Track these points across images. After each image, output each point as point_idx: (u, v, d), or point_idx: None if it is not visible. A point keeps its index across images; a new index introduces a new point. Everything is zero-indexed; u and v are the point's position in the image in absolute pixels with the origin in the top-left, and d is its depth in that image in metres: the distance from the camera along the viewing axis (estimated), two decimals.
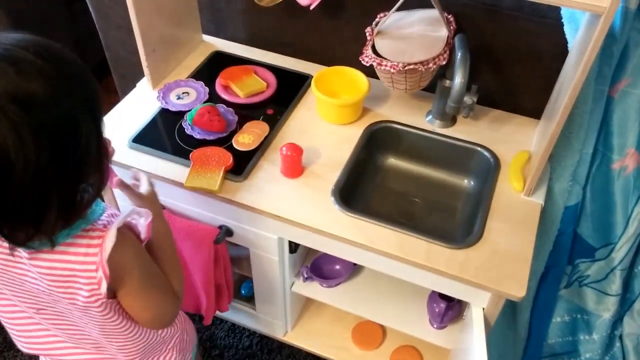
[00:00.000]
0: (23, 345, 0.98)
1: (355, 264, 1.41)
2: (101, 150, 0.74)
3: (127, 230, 0.81)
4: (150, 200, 0.94)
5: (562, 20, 1.12)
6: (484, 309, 1.12)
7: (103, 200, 0.87)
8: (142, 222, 0.82)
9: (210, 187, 1.15)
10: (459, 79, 1.09)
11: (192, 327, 1.16)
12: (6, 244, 0.75)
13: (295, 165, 1.19)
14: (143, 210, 0.83)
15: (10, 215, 0.69)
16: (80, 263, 0.77)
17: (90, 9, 1.68)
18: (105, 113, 1.34)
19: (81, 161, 0.70)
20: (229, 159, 1.19)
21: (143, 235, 0.83)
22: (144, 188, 0.95)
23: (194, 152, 1.21)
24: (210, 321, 1.45)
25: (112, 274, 0.77)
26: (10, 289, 0.85)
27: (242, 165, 1.21)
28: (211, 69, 1.46)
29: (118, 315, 0.86)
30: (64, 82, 0.67)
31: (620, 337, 1.41)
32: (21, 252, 0.77)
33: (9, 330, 0.97)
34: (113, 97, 2.05)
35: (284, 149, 1.17)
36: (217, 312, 1.50)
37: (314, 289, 1.41)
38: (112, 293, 0.83)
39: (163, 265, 0.91)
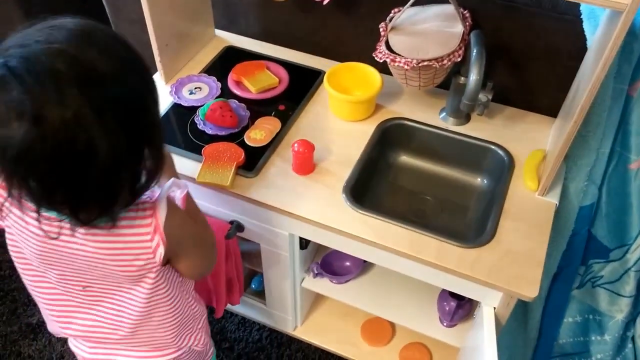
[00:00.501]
0: (61, 327, 1.00)
1: (365, 261, 1.40)
2: (161, 131, 0.78)
3: (171, 200, 0.84)
4: (170, 162, 1.01)
5: (581, 16, 1.10)
6: (495, 308, 1.12)
7: None
8: (178, 195, 0.86)
9: (222, 183, 1.15)
10: (474, 76, 1.07)
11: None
12: (54, 224, 0.77)
13: (306, 162, 1.19)
14: (181, 182, 0.88)
15: (88, 199, 0.71)
16: (134, 235, 0.80)
17: (104, 2, 1.68)
18: None
19: (149, 141, 0.74)
20: (240, 155, 1.19)
21: (180, 206, 0.87)
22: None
23: (206, 148, 1.21)
24: (221, 314, 1.45)
25: (169, 239, 0.82)
26: (57, 269, 0.87)
27: (253, 161, 1.21)
28: (223, 64, 1.45)
29: (167, 284, 0.91)
30: (133, 65, 0.71)
31: (633, 338, 1.40)
32: (71, 233, 0.79)
33: (47, 313, 1.00)
34: None
35: (295, 145, 1.16)
36: (228, 306, 1.51)
37: (324, 285, 1.41)
38: (166, 260, 0.87)
39: (198, 223, 0.96)
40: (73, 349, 1.06)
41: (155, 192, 0.83)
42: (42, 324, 1.73)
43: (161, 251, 0.82)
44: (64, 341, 1.69)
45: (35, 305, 1.75)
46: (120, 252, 0.81)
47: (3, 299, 1.79)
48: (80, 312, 0.96)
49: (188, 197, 0.90)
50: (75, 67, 0.64)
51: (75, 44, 0.66)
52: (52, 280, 0.91)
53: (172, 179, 0.87)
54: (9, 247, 0.91)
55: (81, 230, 0.78)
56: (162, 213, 0.80)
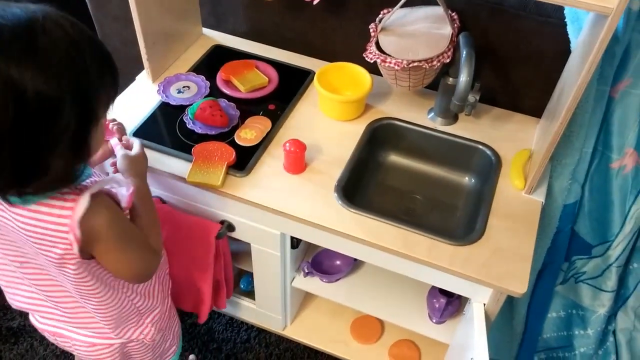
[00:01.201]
0: (11, 299, 1.02)
1: (355, 260, 1.42)
2: (83, 133, 0.75)
3: (103, 196, 0.83)
4: (136, 160, 1.02)
5: (565, 20, 1.13)
6: (485, 304, 1.14)
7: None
8: (123, 192, 0.85)
9: (213, 183, 1.15)
10: (464, 77, 1.09)
11: (178, 321, 1.22)
12: None
13: (298, 161, 1.19)
14: (123, 180, 0.88)
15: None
16: (53, 223, 0.80)
17: None
18: None
19: (51, 137, 0.71)
20: (231, 154, 1.19)
21: (124, 205, 0.86)
22: (135, 149, 1.03)
23: (196, 147, 1.21)
24: (205, 319, 1.45)
25: (85, 237, 0.80)
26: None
27: (244, 160, 1.21)
28: (212, 63, 1.45)
29: (92, 277, 0.89)
30: (58, 70, 0.69)
31: (614, 332, 1.44)
32: (4, 205, 0.80)
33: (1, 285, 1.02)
34: None
35: (287, 144, 1.16)
36: (216, 308, 1.51)
37: (314, 284, 1.41)
38: (88, 254, 0.86)
39: (143, 225, 0.94)
40: (31, 319, 1.09)
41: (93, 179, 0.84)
42: (23, 327, 1.69)
43: (76, 247, 0.81)
44: (45, 345, 1.66)
45: (15, 309, 1.71)
46: (41, 236, 0.81)
47: None
48: (24, 285, 0.98)
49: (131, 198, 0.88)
50: None
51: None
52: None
53: (112, 175, 0.87)
54: None
55: (6, 204, 0.79)
56: (80, 207, 0.78)
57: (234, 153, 1.20)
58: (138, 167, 1.01)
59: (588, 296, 1.40)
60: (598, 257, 1.34)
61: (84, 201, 0.79)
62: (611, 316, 1.42)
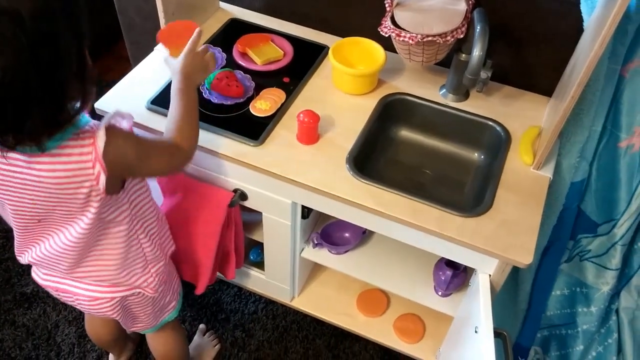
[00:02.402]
0: (19, 255, 1.09)
1: (364, 232, 1.44)
2: (82, 66, 0.82)
3: (113, 126, 0.90)
4: (191, 64, 1.09)
5: None
6: (490, 275, 1.17)
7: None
8: (125, 125, 0.93)
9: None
10: (477, 52, 1.11)
11: (178, 279, 1.30)
12: (2, 160, 0.85)
13: (311, 132, 1.22)
14: (125, 114, 0.94)
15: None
16: (77, 162, 0.85)
17: None
18: (117, 79, 1.36)
19: (61, 72, 0.77)
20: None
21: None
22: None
23: (161, 32, 1.24)
24: (202, 291, 1.45)
25: (112, 166, 0.87)
26: (12, 202, 0.93)
27: (258, 130, 1.24)
28: (228, 35, 1.47)
29: (111, 213, 0.98)
30: (51, 1, 0.74)
31: (617, 310, 1.46)
32: (20, 160, 0.85)
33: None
34: (124, 64, 2.05)
35: (301, 115, 1.19)
36: (224, 278, 1.54)
37: (323, 256, 1.45)
38: (115, 185, 0.94)
39: (173, 114, 1.04)
40: (33, 276, 1.16)
41: (97, 122, 0.89)
42: (36, 293, 1.73)
43: (103, 178, 0.87)
44: (58, 310, 1.70)
45: (29, 274, 1.74)
46: (65, 180, 0.86)
47: None
48: (36, 242, 1.03)
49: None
50: None
51: None
52: (9, 215, 0.98)
53: (116, 110, 0.92)
54: None
55: (22, 161, 0.84)
56: (100, 142, 0.85)
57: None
58: (195, 68, 1.09)
59: (592, 274, 1.42)
60: (603, 235, 1.37)
61: (101, 135, 0.85)
62: (614, 295, 1.44)
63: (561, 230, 1.37)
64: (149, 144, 0.99)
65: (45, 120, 0.79)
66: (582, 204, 1.35)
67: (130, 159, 0.92)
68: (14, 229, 1.03)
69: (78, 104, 0.84)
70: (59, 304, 1.71)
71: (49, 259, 1.05)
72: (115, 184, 0.95)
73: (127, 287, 1.12)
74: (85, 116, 0.90)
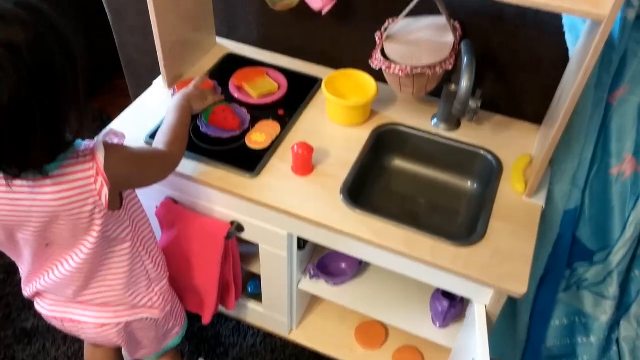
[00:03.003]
0: (25, 287, 1.12)
1: (360, 263, 1.44)
2: (78, 90, 0.86)
3: (107, 141, 0.96)
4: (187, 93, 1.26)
5: (564, 29, 1.17)
6: (486, 306, 1.16)
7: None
8: (116, 142, 1.00)
9: None
10: (465, 82, 1.14)
11: (180, 303, 1.32)
12: (8, 189, 0.88)
13: (306, 164, 1.23)
14: (119, 132, 1.01)
15: (3, 149, 0.79)
16: (79, 180, 0.90)
17: (107, 11, 1.73)
18: (116, 114, 1.40)
19: (60, 99, 0.81)
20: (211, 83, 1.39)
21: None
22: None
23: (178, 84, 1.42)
24: (208, 320, 1.46)
25: (114, 178, 0.92)
26: (22, 229, 0.95)
27: (254, 162, 1.25)
28: (224, 70, 1.51)
29: (115, 230, 1.01)
30: (43, 31, 0.78)
31: (617, 340, 1.44)
32: (24, 187, 0.88)
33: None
34: (123, 99, 2.09)
35: (295, 147, 1.21)
36: (223, 310, 1.54)
37: (320, 287, 1.44)
38: (117, 200, 0.98)
39: (169, 126, 1.14)
40: (37, 307, 1.16)
41: (92, 142, 0.94)
42: (36, 328, 1.73)
43: (106, 192, 0.91)
44: (58, 346, 1.69)
45: (30, 309, 1.76)
46: (70, 199, 0.90)
47: None
48: (45, 270, 1.05)
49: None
50: None
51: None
52: (19, 244, 1.00)
53: (110, 128, 0.98)
54: None
55: (27, 188, 0.88)
56: (100, 156, 0.91)
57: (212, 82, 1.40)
58: (195, 95, 1.27)
59: (590, 303, 1.41)
60: (599, 263, 1.36)
61: (101, 149, 0.91)
62: (614, 325, 1.43)
63: (557, 259, 1.37)
64: (143, 154, 1.07)
65: (45, 147, 0.83)
66: (577, 231, 1.35)
67: (129, 170, 0.99)
68: (22, 260, 1.05)
69: (76, 128, 0.88)
70: (58, 339, 1.70)
71: (57, 284, 1.07)
72: (115, 199, 0.98)
73: (132, 308, 1.13)
74: (78, 140, 0.94)
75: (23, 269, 1.09)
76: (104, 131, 0.99)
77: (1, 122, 0.75)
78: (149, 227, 1.13)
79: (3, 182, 0.87)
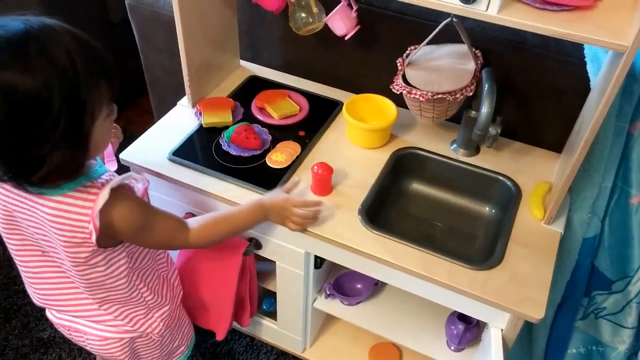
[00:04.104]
0: (33, 295, 1.12)
1: (376, 284, 1.45)
2: (73, 137, 0.82)
3: (123, 190, 0.93)
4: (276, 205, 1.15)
5: (585, 59, 1.19)
6: (502, 330, 1.16)
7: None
8: (140, 187, 0.96)
9: (226, 120, 1.39)
10: (485, 109, 1.15)
11: (189, 324, 1.31)
12: (14, 191, 0.91)
13: (325, 184, 1.25)
14: (139, 177, 0.97)
15: None
16: (76, 213, 0.89)
17: (134, 31, 1.79)
18: (140, 132, 1.43)
19: (37, 141, 0.79)
20: (231, 102, 1.44)
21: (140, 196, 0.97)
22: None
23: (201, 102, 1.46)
24: (223, 337, 1.47)
25: (103, 227, 0.89)
26: (17, 233, 0.98)
27: (274, 181, 1.28)
28: (247, 91, 1.54)
29: (103, 265, 0.98)
30: (49, 75, 0.77)
31: None
32: (29, 196, 0.90)
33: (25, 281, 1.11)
34: (147, 117, 2.14)
35: (315, 167, 1.23)
36: (237, 327, 1.54)
37: (335, 306, 1.45)
38: (105, 243, 0.95)
39: (216, 220, 1.11)
40: (47, 314, 1.19)
41: (110, 177, 0.93)
42: (53, 338, 1.75)
43: (94, 237, 0.89)
44: (73, 356, 1.71)
45: (47, 319, 1.77)
46: (62, 225, 0.90)
47: (16, 313, 1.82)
48: (43, 279, 1.06)
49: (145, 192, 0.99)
50: None
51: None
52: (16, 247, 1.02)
53: (130, 172, 0.96)
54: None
55: (33, 199, 0.89)
56: (101, 201, 0.88)
57: (233, 102, 1.45)
58: (276, 205, 1.15)
59: (608, 332, 1.40)
60: (618, 292, 1.35)
61: (104, 194, 0.88)
62: (632, 355, 1.41)
63: (575, 287, 1.36)
64: (156, 217, 1.01)
65: (17, 175, 0.84)
66: (595, 260, 1.35)
67: (129, 226, 0.94)
68: (18, 266, 1.07)
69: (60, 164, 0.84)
70: (74, 350, 1.72)
71: (58, 300, 1.09)
72: (112, 240, 0.97)
73: (132, 330, 1.14)
74: (103, 167, 0.95)
75: (22, 275, 1.10)
76: (125, 175, 0.94)
77: None
78: (153, 255, 1.11)
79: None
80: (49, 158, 0.81)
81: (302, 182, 1.26)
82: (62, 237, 0.91)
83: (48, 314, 1.19)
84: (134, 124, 2.34)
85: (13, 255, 1.05)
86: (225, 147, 1.35)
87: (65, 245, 0.92)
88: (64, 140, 0.81)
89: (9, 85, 0.75)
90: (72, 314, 1.12)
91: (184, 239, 1.06)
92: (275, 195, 1.16)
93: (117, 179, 0.92)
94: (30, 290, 1.13)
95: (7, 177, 0.85)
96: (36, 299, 1.13)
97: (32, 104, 0.77)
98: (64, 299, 1.09)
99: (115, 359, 1.19)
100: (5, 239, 1.03)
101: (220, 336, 1.47)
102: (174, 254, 1.32)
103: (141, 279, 1.09)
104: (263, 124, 1.43)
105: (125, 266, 1.02)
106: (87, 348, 1.19)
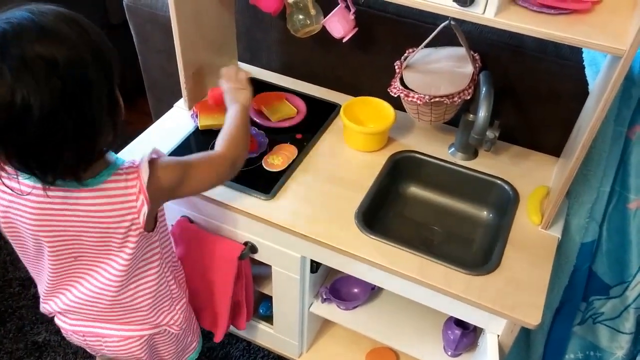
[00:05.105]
0: (47, 303, 1.12)
1: (372, 288, 1.44)
2: (113, 105, 0.87)
3: (154, 158, 0.97)
4: (239, 91, 1.23)
5: (584, 63, 1.18)
6: (498, 336, 1.15)
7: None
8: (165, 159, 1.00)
9: (222, 123, 1.31)
10: (483, 113, 1.15)
11: (196, 319, 1.32)
12: (46, 199, 0.90)
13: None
14: (161, 152, 1.01)
15: (35, 156, 0.81)
16: (121, 195, 0.92)
17: (132, 32, 1.78)
18: (137, 133, 1.42)
19: (93, 112, 0.82)
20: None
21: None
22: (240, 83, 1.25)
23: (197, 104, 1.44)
24: (221, 338, 1.47)
25: (156, 194, 0.94)
26: (51, 242, 0.96)
27: (270, 184, 1.27)
28: None
29: (147, 250, 1.03)
30: (81, 46, 0.79)
31: None
32: (65, 197, 0.90)
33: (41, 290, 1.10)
34: (145, 118, 2.13)
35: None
36: (235, 330, 1.54)
37: (331, 311, 1.44)
38: (150, 223, 0.99)
39: (229, 132, 1.13)
40: (57, 322, 1.16)
41: (136, 160, 0.96)
42: (48, 342, 1.74)
43: (144, 211, 0.93)
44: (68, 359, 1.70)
45: (42, 323, 1.77)
46: (110, 213, 0.92)
47: (11, 316, 1.81)
48: (67, 286, 1.06)
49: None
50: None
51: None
52: (45, 257, 1.01)
53: (153, 148, 0.99)
54: (6, 232, 1.00)
55: (72, 198, 0.90)
56: (144, 175, 0.92)
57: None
58: (241, 96, 1.22)
59: (606, 337, 1.39)
60: (616, 297, 1.34)
61: (145, 168, 0.93)
62: None
63: (573, 292, 1.35)
64: (190, 160, 1.05)
65: (78, 156, 0.84)
66: (593, 265, 1.34)
67: (175, 177, 0.99)
68: (43, 274, 1.05)
69: (110, 139, 0.89)
70: (69, 354, 1.71)
71: (81, 306, 1.08)
72: (151, 220, 1.00)
73: (152, 325, 1.15)
74: (120, 158, 0.96)
75: (43, 284, 1.09)
76: (149, 151, 0.98)
77: (31, 131, 0.77)
78: (172, 248, 1.14)
79: (41, 191, 0.88)
80: (102, 130, 0.84)
81: (299, 186, 1.26)
82: (112, 223, 0.93)
83: (58, 321, 1.17)
84: (133, 125, 2.33)
85: (44, 264, 1.03)
86: None
87: (114, 233, 0.94)
88: (107, 107, 0.84)
89: (49, 57, 0.76)
90: (93, 318, 1.11)
91: (224, 163, 1.09)
92: (241, 94, 1.22)
93: (148, 153, 0.96)
94: (49, 300, 1.11)
95: (58, 176, 0.85)
96: (52, 309, 1.12)
97: (74, 68, 0.78)
98: (89, 306, 1.08)
99: (134, 358, 1.19)
100: (38, 248, 1.01)
101: (217, 338, 1.47)
102: None
103: (169, 268, 1.12)
104: (260, 127, 1.42)
105: (157, 251, 1.05)
106: (104, 352, 1.19)
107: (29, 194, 0.90)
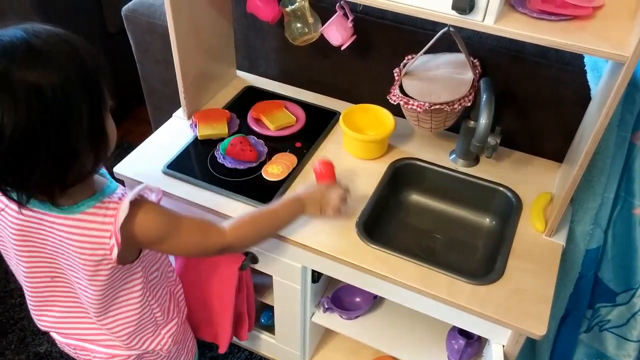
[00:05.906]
0: (37, 320, 1.10)
1: (375, 297, 1.42)
2: (98, 133, 0.83)
3: (141, 200, 0.91)
4: (318, 193, 1.16)
5: (585, 68, 1.17)
6: (503, 346, 1.13)
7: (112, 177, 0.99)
8: (153, 198, 0.95)
9: (221, 132, 1.37)
10: (484, 120, 1.13)
11: (193, 338, 1.29)
12: (28, 213, 0.88)
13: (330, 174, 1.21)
14: (154, 187, 0.96)
15: (8, 173, 0.79)
16: (97, 230, 0.88)
17: (131, 42, 1.77)
18: (137, 142, 1.41)
19: (71, 138, 0.79)
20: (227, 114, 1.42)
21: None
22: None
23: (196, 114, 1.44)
24: (225, 349, 1.46)
25: (130, 239, 0.89)
26: (29, 259, 0.96)
27: (270, 194, 1.26)
28: (243, 102, 1.52)
29: (128, 281, 0.99)
30: (70, 74, 0.77)
31: None
32: (44, 220, 0.89)
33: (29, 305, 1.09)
34: (145, 127, 2.13)
35: (316, 164, 1.20)
36: (236, 340, 1.52)
37: (333, 320, 1.42)
38: (130, 257, 0.95)
39: (254, 217, 1.08)
40: (51, 333, 1.15)
41: (125, 192, 0.91)
42: (49, 353, 1.73)
43: (116, 251, 0.88)
44: None
45: (43, 334, 1.76)
46: (82, 243, 0.88)
47: (12, 327, 1.80)
48: (51, 304, 1.05)
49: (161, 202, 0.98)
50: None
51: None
52: (21, 273, 1.00)
53: (145, 184, 0.94)
54: None
55: (51, 218, 0.88)
56: (121, 214, 0.87)
57: (229, 113, 1.43)
58: (313, 196, 1.15)
59: (613, 345, 1.37)
60: (622, 305, 1.32)
61: (124, 207, 0.87)
62: None
63: (579, 299, 1.33)
64: (179, 220, 0.98)
65: (50, 179, 0.81)
66: (599, 272, 1.32)
67: (153, 233, 0.93)
68: (26, 290, 1.05)
69: (91, 162, 0.85)
70: None
71: (67, 324, 1.07)
72: (131, 254, 0.96)
73: (141, 350, 1.13)
74: (114, 183, 0.94)
75: (28, 297, 1.08)
76: (139, 187, 0.92)
77: (1, 148, 0.75)
78: (164, 271, 1.11)
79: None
80: (78, 157, 0.81)
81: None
82: (82, 255, 0.89)
83: (52, 333, 1.16)
84: (132, 134, 2.33)
85: (22, 280, 1.03)
86: (220, 160, 1.33)
87: (84, 264, 0.91)
88: (90, 132, 0.81)
89: (35, 83, 0.74)
90: (79, 336, 1.10)
91: (218, 241, 1.02)
92: (309, 187, 1.16)
93: (134, 191, 0.91)
94: (35, 316, 1.10)
95: (32, 196, 0.83)
96: (41, 325, 1.11)
97: (58, 94, 0.76)
98: (72, 325, 1.07)
99: None
100: (17, 263, 1.00)
101: (222, 349, 1.46)
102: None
103: (153, 294, 1.08)
104: (259, 136, 1.41)
105: (140, 280, 1.01)
106: None
107: (9, 208, 0.90)
